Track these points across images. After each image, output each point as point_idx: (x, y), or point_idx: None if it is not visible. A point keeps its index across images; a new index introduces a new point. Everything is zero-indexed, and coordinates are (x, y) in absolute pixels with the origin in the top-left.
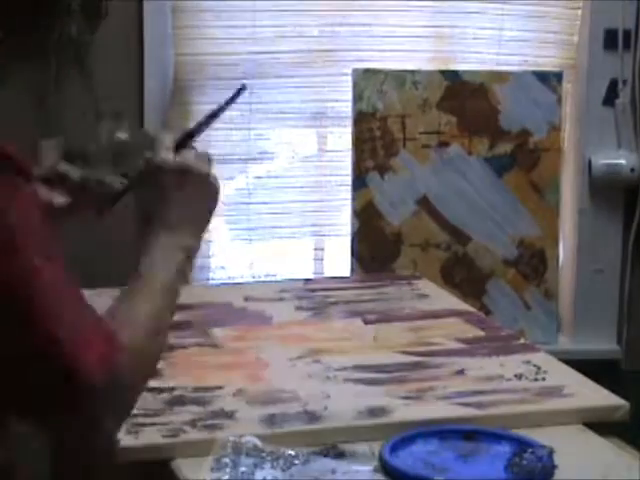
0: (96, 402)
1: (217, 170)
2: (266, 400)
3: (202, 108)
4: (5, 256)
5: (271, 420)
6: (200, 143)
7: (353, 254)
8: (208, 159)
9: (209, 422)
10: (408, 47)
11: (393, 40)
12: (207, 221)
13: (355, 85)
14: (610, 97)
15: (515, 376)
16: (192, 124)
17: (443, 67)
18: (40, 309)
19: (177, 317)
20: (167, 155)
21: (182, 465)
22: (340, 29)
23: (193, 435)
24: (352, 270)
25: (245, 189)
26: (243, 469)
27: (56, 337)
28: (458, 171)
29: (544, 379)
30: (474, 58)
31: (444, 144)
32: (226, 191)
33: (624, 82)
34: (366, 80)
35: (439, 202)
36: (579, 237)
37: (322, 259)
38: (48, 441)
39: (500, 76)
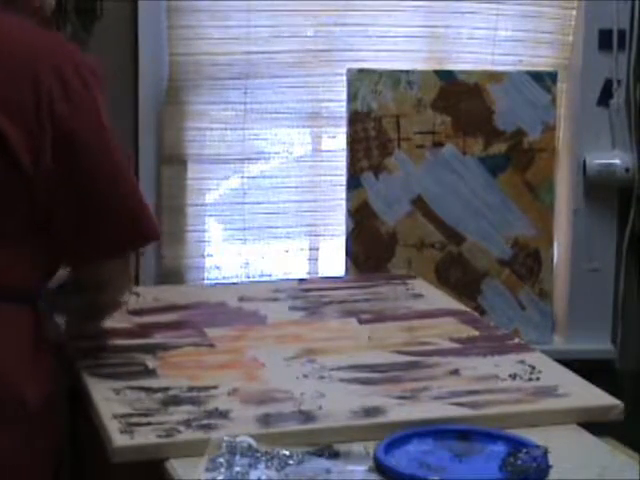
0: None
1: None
2: (261, 400)
3: (197, 108)
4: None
5: (266, 420)
6: (195, 143)
7: (348, 254)
8: None
9: (204, 422)
10: (403, 47)
11: (388, 40)
12: None
13: (350, 85)
14: (604, 97)
15: (509, 376)
16: (186, 124)
17: (438, 67)
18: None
19: (172, 317)
20: None
21: (177, 465)
22: (335, 29)
23: (188, 435)
24: (347, 270)
25: (240, 189)
26: (238, 469)
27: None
28: (453, 171)
29: (538, 379)
30: (468, 58)
31: (439, 144)
32: (221, 191)
33: (618, 82)
34: (361, 80)
35: (434, 202)
36: (573, 237)
37: (317, 259)
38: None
39: (494, 76)
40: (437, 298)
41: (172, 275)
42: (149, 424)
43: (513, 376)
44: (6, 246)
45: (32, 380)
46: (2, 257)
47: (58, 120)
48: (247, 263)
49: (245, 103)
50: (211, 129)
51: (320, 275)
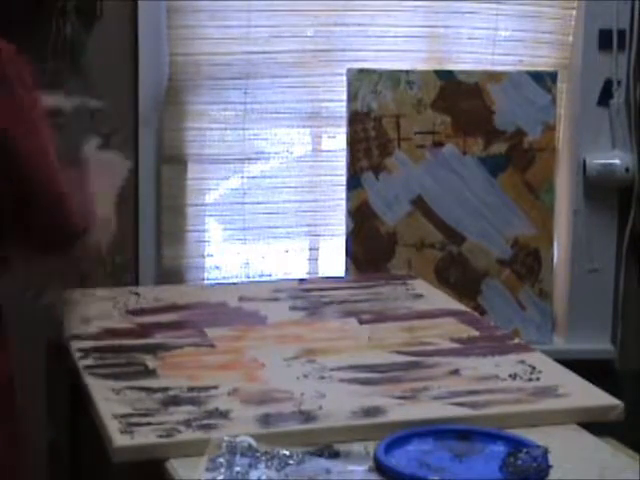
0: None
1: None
2: (261, 400)
3: (197, 108)
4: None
5: (266, 420)
6: (195, 143)
7: (348, 254)
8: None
9: (204, 422)
10: (402, 47)
11: (387, 40)
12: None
13: (350, 85)
14: (604, 97)
15: (510, 376)
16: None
17: (437, 67)
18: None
19: (172, 317)
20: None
21: (177, 465)
22: (335, 29)
23: (188, 435)
24: (347, 270)
25: (240, 189)
26: (238, 469)
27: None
28: (453, 171)
29: (538, 379)
30: (468, 58)
31: (439, 144)
32: (221, 191)
33: (618, 82)
34: (361, 80)
35: (434, 202)
36: (573, 237)
37: (317, 259)
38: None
39: (494, 76)
40: (437, 298)
41: (172, 275)
42: (149, 424)
43: (513, 376)
44: None
45: None
46: None
47: None
48: (247, 263)
49: (245, 103)
50: (211, 129)
51: (320, 275)
